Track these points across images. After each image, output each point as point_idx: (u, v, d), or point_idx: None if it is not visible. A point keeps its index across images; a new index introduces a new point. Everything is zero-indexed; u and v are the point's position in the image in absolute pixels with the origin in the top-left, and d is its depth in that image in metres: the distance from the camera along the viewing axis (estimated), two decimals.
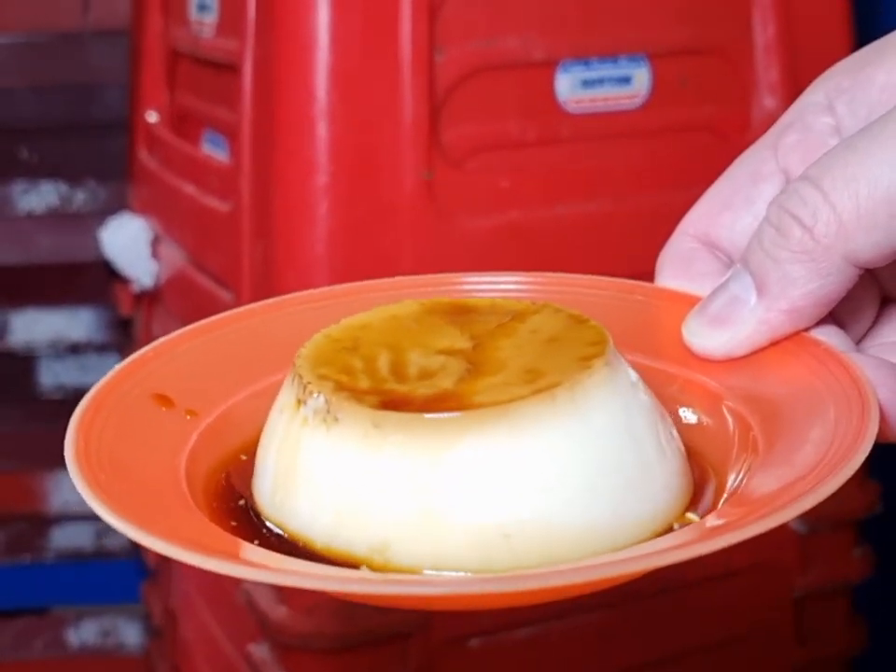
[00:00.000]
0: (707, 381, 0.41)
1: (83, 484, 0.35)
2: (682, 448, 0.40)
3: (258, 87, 0.91)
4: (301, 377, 0.38)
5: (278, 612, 0.90)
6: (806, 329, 0.40)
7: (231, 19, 0.98)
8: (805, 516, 0.36)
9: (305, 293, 0.47)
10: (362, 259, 0.87)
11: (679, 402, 0.42)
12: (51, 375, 1.39)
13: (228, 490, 0.40)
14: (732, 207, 0.45)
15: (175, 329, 1.21)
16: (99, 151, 1.35)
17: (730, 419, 0.40)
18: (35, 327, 1.37)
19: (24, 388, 1.39)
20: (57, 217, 1.35)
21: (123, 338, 1.33)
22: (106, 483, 0.36)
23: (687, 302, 0.43)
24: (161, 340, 0.43)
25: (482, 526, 0.35)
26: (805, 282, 0.39)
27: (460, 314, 0.42)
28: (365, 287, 0.47)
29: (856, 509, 1.03)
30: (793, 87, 0.97)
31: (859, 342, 0.44)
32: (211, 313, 1.09)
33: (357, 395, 0.37)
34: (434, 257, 0.88)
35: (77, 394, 1.45)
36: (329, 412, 0.37)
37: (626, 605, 0.98)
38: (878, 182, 0.38)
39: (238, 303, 0.93)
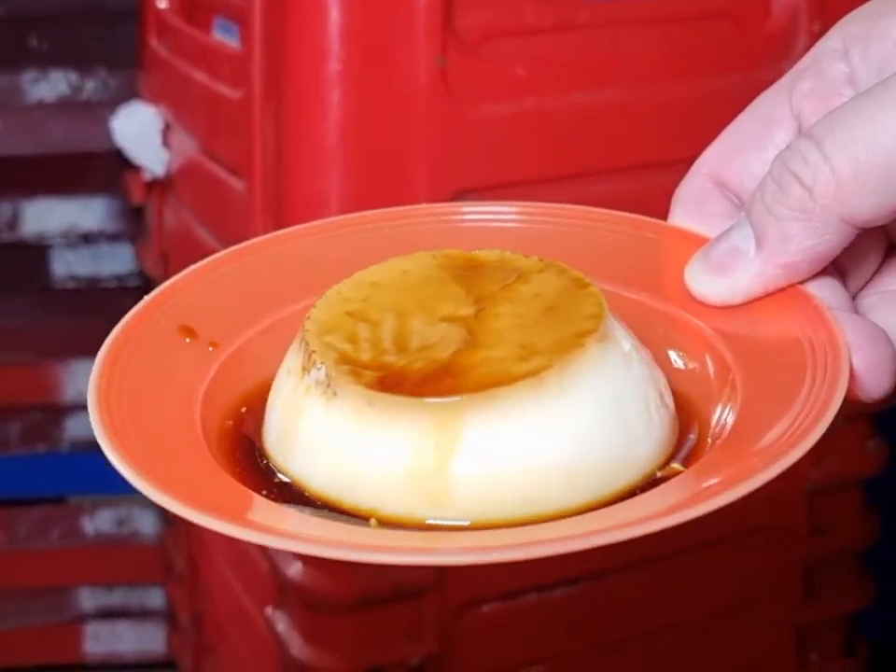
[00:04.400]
0: (700, 324, 0.43)
1: (101, 429, 0.38)
2: (671, 404, 0.42)
3: None
4: (307, 344, 0.41)
5: (295, 570, 0.91)
6: (802, 282, 0.42)
7: None
8: None
9: (326, 221, 0.49)
10: (375, 146, 0.86)
11: (670, 343, 0.44)
12: (64, 265, 1.39)
13: (240, 432, 0.42)
14: (743, 151, 0.46)
15: (186, 217, 1.21)
16: (109, 39, 1.34)
17: (710, 363, 0.42)
18: (47, 216, 1.37)
19: (37, 278, 1.39)
20: (68, 106, 1.34)
21: (135, 227, 1.33)
22: (122, 427, 0.38)
23: (695, 243, 0.44)
24: (190, 269, 0.46)
25: (463, 501, 0.38)
26: (802, 239, 0.41)
27: (469, 269, 0.44)
28: (385, 216, 0.49)
29: None
30: None
31: (861, 288, 0.45)
32: (222, 201, 1.09)
33: (356, 370, 0.39)
34: (448, 145, 0.87)
35: (90, 283, 1.45)
36: (329, 385, 0.39)
37: (638, 569, 0.99)
38: (877, 147, 0.39)
39: (250, 191, 0.93)
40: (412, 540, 0.37)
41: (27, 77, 1.34)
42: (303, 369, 0.41)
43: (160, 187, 1.19)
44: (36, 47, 1.34)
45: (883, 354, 0.40)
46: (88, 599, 1.43)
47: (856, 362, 0.39)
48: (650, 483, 0.39)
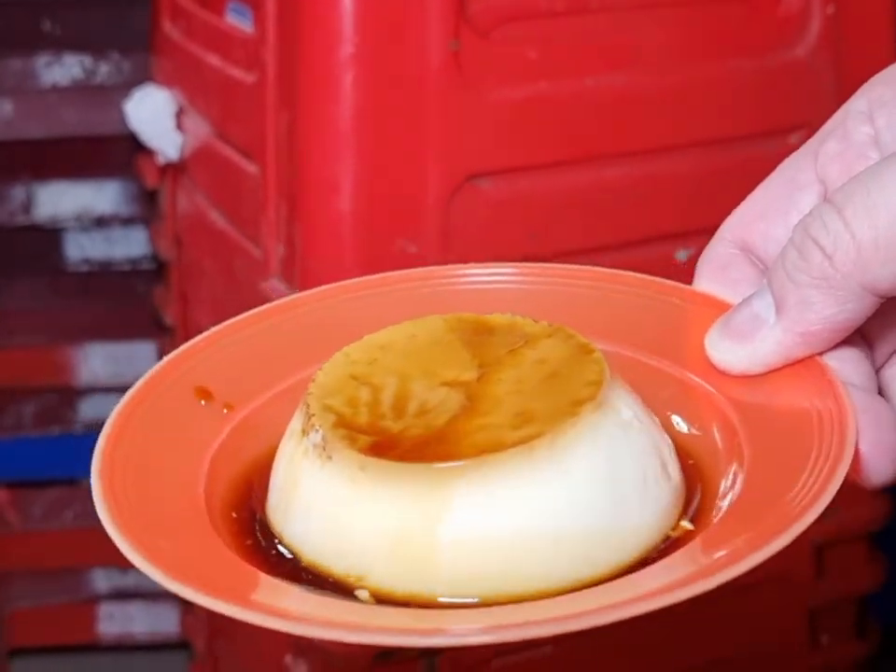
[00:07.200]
0: (712, 391, 0.43)
1: (102, 501, 0.40)
2: (675, 474, 0.42)
3: None
4: (308, 406, 0.42)
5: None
6: (824, 353, 0.41)
7: None
8: None
9: (345, 283, 0.50)
10: (387, 130, 0.86)
11: (678, 408, 0.44)
12: (77, 248, 1.39)
13: (246, 497, 0.43)
14: (767, 216, 0.45)
15: (200, 201, 1.20)
16: (123, 23, 1.34)
17: (717, 431, 0.42)
18: (61, 200, 1.37)
19: (51, 262, 1.40)
20: (81, 90, 1.34)
21: (149, 210, 1.33)
22: (124, 496, 0.40)
23: (721, 309, 0.44)
24: (211, 331, 0.47)
25: (450, 570, 0.38)
26: (822, 308, 0.40)
27: (478, 334, 0.44)
28: (403, 278, 0.50)
29: None
30: None
31: (889, 357, 0.44)
32: (236, 184, 1.09)
33: (351, 434, 0.40)
34: (460, 128, 0.87)
35: (104, 267, 1.44)
36: (324, 448, 0.40)
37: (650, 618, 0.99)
38: None
39: (263, 175, 0.93)
40: (417, 621, 0.37)
41: (41, 60, 1.34)
42: (303, 431, 0.41)
43: (173, 170, 1.20)
44: (50, 30, 1.34)
45: (888, 441, 0.40)
46: (101, 580, 1.44)
47: (864, 445, 0.39)
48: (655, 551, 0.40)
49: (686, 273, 0.47)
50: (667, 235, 0.94)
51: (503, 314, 0.45)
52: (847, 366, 0.41)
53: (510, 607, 0.37)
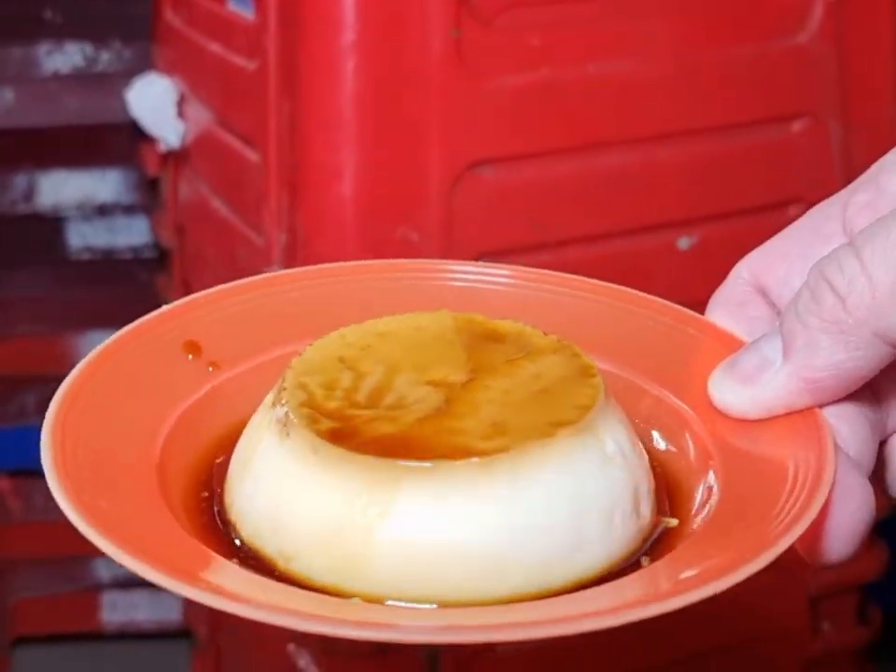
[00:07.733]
0: (699, 423, 0.42)
1: (48, 447, 0.39)
2: (647, 511, 0.40)
3: None
4: (284, 380, 0.41)
5: None
6: (826, 405, 0.39)
7: None
8: None
9: (368, 263, 0.49)
10: (388, 117, 0.86)
11: (654, 427, 0.43)
12: (79, 237, 1.39)
13: (212, 462, 0.43)
14: (787, 260, 0.44)
15: (201, 189, 1.20)
16: (124, 11, 1.34)
17: (692, 448, 0.41)
18: (63, 188, 1.37)
19: (53, 250, 1.40)
20: (83, 78, 1.34)
21: (151, 198, 1.33)
22: (72, 442, 0.39)
23: (735, 347, 0.42)
24: (215, 289, 0.46)
25: (380, 569, 0.37)
26: (830, 353, 0.38)
27: (483, 339, 0.43)
28: (414, 267, 0.48)
29: None
30: None
31: None
32: (237, 172, 1.09)
33: (314, 415, 0.39)
34: (462, 116, 0.87)
35: (106, 255, 1.44)
36: (285, 425, 0.39)
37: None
38: None
39: (265, 162, 0.93)
40: (377, 615, 0.36)
41: (42, 48, 1.34)
42: (272, 404, 0.41)
43: (175, 158, 1.20)
44: (51, 18, 1.34)
45: (851, 521, 0.38)
46: (104, 569, 1.44)
47: (832, 520, 0.38)
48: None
49: (687, 261, 0.47)
50: (669, 223, 0.94)
51: (515, 321, 0.43)
52: (844, 426, 0.39)
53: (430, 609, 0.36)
